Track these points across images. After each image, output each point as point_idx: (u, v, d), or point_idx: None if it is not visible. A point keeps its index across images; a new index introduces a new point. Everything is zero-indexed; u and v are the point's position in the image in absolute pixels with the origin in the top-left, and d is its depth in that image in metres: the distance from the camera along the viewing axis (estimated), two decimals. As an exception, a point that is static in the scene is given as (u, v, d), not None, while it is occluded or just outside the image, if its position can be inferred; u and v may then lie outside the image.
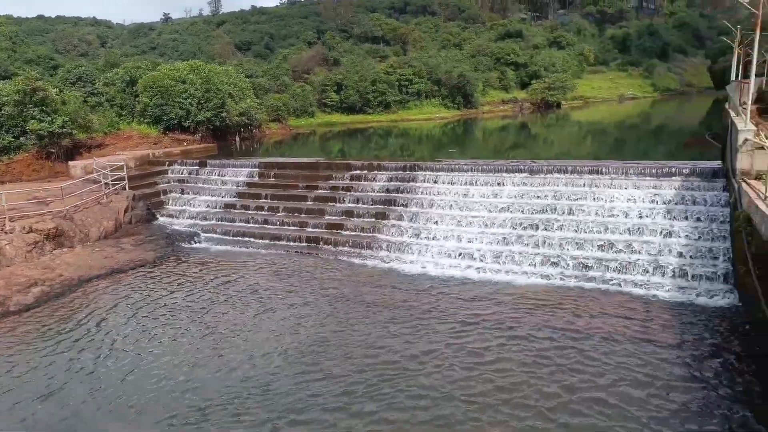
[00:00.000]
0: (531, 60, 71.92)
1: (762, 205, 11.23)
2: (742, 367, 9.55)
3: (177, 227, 20.51)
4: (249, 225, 20.12)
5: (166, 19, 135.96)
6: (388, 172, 20.55)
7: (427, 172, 19.74)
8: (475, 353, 10.42)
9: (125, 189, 21.37)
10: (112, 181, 20.87)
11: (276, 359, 10.50)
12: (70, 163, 24.82)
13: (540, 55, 74.23)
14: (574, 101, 71.48)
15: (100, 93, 35.42)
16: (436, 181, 19.27)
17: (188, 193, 23.39)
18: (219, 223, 20.70)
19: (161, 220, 21.57)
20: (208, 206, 22.04)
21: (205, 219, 21.09)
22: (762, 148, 13.79)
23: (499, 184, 18.22)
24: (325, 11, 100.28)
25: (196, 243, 19.12)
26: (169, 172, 25.26)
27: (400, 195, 19.32)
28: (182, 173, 24.96)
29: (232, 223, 20.43)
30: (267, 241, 18.79)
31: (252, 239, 19.11)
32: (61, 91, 31.55)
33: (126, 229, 19.50)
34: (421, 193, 19.09)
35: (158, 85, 33.00)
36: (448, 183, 19.03)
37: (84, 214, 18.47)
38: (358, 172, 21.21)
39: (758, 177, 13.62)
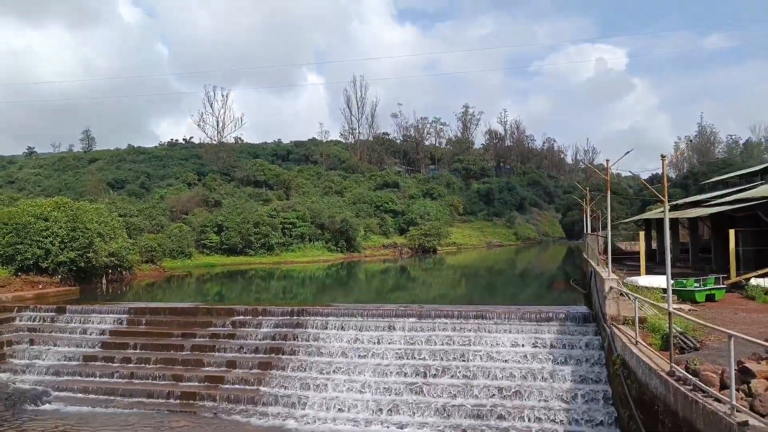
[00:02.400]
0: (408, 208, 77.00)
1: (635, 350, 12.00)
2: None
3: (21, 385, 17.39)
4: (113, 380, 17.56)
5: (30, 152, 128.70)
6: (275, 318, 19.61)
7: (317, 318, 19.11)
8: None
9: (-43, 340, 18.10)
10: (-59, 331, 17.63)
11: None
12: None
13: (415, 204, 79.84)
14: (448, 247, 76.33)
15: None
16: (326, 327, 18.63)
17: (40, 344, 20.22)
18: (76, 378, 17.83)
19: (1, 376, 18.22)
20: (64, 359, 19.08)
21: (58, 374, 18.11)
22: (623, 295, 15.21)
23: (389, 328, 18.02)
24: (206, 154, 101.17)
25: (44, 404, 16.17)
26: (17, 319, 22.04)
27: (287, 342, 18.27)
28: (34, 320, 21.85)
29: (93, 379, 17.71)
30: (134, 399, 16.38)
31: (115, 397, 16.56)
32: None
33: (-49, 391, 16.14)
34: (310, 340, 18.24)
35: (15, 222, 29.97)
36: (338, 328, 18.47)
37: None
38: (241, 317, 20.01)
39: (625, 322, 14.82)
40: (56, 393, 16.92)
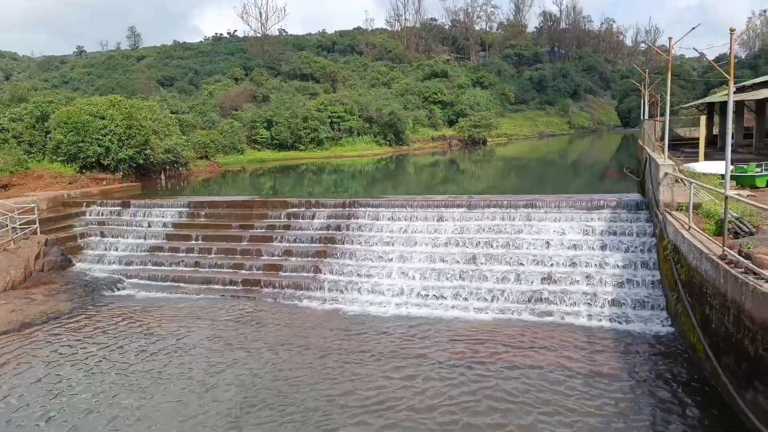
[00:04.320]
0: (457, 99, 74.78)
1: (687, 235, 11.79)
2: (678, 392, 9.77)
3: (97, 274, 18.96)
4: (179, 269, 18.91)
5: (80, 52, 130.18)
6: (327, 209, 20.14)
7: (367, 209, 19.51)
8: (426, 389, 10.06)
9: (36, 233, 19.61)
10: (20, 225, 19.09)
11: (221, 424, 9.59)
12: (-29, 206, 22.60)
13: (465, 95, 77.37)
14: (498, 138, 74.64)
15: (5, 129, 32.88)
16: (376, 218, 19.06)
17: (110, 237, 21.76)
18: (145, 267, 19.30)
19: (79, 266, 19.89)
20: (133, 250, 20.56)
21: (129, 264, 19.62)
22: (678, 181, 14.66)
23: (439, 219, 18.26)
24: (251, 48, 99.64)
25: (119, 290, 17.69)
26: (87, 213, 23.54)
27: (340, 233, 18.90)
28: (102, 215, 23.32)
29: (160, 267, 19.12)
30: (199, 286, 17.69)
31: (182, 284, 17.92)
32: (-39, 126, 29.10)
33: (37, 278, 17.79)
34: (362, 230, 18.78)
35: (74, 121, 31.05)
36: (389, 219, 18.87)
37: (-12, 263, 16.71)
38: (295, 209, 20.66)
39: (679, 208, 14.43)
40: (128, 280, 18.39)
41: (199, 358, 12.15)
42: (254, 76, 77.82)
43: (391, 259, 17.07)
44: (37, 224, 19.77)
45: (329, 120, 55.09)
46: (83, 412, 10.00)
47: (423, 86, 75.80)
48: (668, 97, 17.23)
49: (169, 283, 18.06)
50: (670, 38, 17.28)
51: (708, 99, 37.74)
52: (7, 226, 18.65)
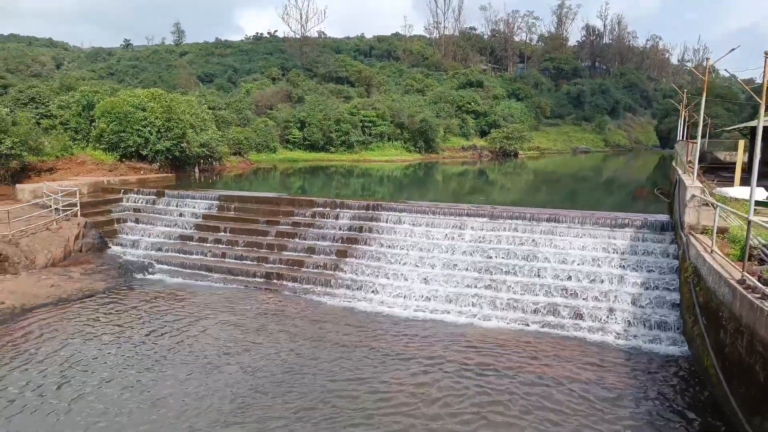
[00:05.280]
0: (491, 109, 74.60)
1: (709, 258, 11.79)
2: (687, 414, 9.81)
3: (130, 257, 19.80)
4: (206, 258, 19.62)
5: (127, 45, 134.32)
6: (352, 211, 20.58)
7: (390, 213, 19.87)
8: (436, 396, 10.32)
9: (77, 216, 20.58)
10: (62, 206, 20.07)
11: (226, 404, 10.06)
12: (18, 186, 23.74)
13: (499, 106, 77.13)
14: (530, 151, 74.17)
15: (53, 115, 34.38)
16: (399, 222, 19.41)
17: (143, 223, 22.69)
18: (175, 254, 20.10)
19: (114, 249, 20.78)
20: (164, 237, 21.39)
21: (160, 250, 20.45)
22: (707, 204, 14.60)
23: (460, 227, 18.50)
24: (290, 49, 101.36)
25: (149, 274, 18.46)
26: (124, 200, 24.54)
27: (362, 234, 19.31)
28: (138, 202, 24.27)
29: (189, 256, 19.87)
30: (224, 275, 18.34)
31: (209, 273, 18.61)
32: (12, 111, 30.50)
33: (76, 258, 18.68)
34: (384, 233, 19.15)
35: (117, 111, 32.31)
36: (411, 224, 19.20)
37: (30, 240, 17.63)
38: (320, 209, 21.16)
39: (704, 231, 14.37)
40: (159, 266, 19.16)
41: (215, 342, 12.68)
42: (291, 76, 79.09)
43: (411, 263, 17.38)
44: (78, 207, 20.74)
45: (361, 124, 55.70)
46: (97, 382, 10.61)
47: (457, 95, 75.86)
48: (701, 118, 17.14)
49: (196, 271, 18.76)
50: (707, 58, 17.32)
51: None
52: (51, 207, 19.65)
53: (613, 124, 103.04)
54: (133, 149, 32.24)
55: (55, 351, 11.99)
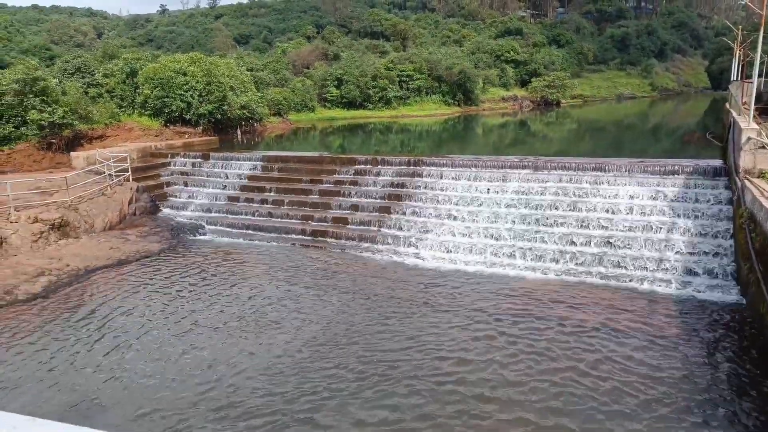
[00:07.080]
0: (531, 58, 72.08)
1: (766, 203, 11.39)
2: (744, 362, 9.71)
3: (181, 219, 20.55)
4: (253, 218, 20.18)
5: (163, 10, 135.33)
6: (393, 167, 20.64)
7: (432, 168, 19.84)
8: (487, 345, 10.55)
9: (129, 181, 21.38)
10: (115, 172, 20.86)
11: (284, 359, 10.55)
12: (72, 153, 24.76)
13: (540, 53, 74.40)
14: (573, 100, 71.75)
15: (99, 84, 35.28)
16: (441, 177, 19.38)
17: (192, 186, 23.40)
18: (223, 215, 20.76)
19: (165, 212, 21.59)
20: (212, 199, 22.05)
21: (209, 211, 21.14)
22: (764, 147, 13.97)
23: (503, 179, 18.33)
24: (324, 6, 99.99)
25: (200, 235, 19.17)
26: (172, 164, 25.27)
27: (404, 190, 19.40)
28: (185, 166, 24.97)
29: (237, 216, 20.49)
30: (272, 234, 18.87)
31: (257, 232, 19.18)
32: (60, 81, 31.47)
33: (130, 221, 19.52)
34: (426, 188, 19.18)
35: (159, 77, 32.90)
36: (453, 178, 19.14)
37: (88, 205, 18.48)
38: (362, 166, 21.29)
39: (761, 175, 13.82)
40: (208, 227, 19.84)
41: (269, 299, 13.19)
42: (326, 34, 78.26)
43: (454, 217, 17.43)
44: (130, 172, 21.52)
45: (398, 79, 54.88)
46: (156, 338, 11.27)
47: (495, 44, 73.40)
48: (757, 55, 16.14)
49: (244, 231, 19.36)
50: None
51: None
52: (104, 173, 20.47)
53: (661, 67, 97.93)
54: (176, 114, 32.91)
55: (118, 309, 12.76)
